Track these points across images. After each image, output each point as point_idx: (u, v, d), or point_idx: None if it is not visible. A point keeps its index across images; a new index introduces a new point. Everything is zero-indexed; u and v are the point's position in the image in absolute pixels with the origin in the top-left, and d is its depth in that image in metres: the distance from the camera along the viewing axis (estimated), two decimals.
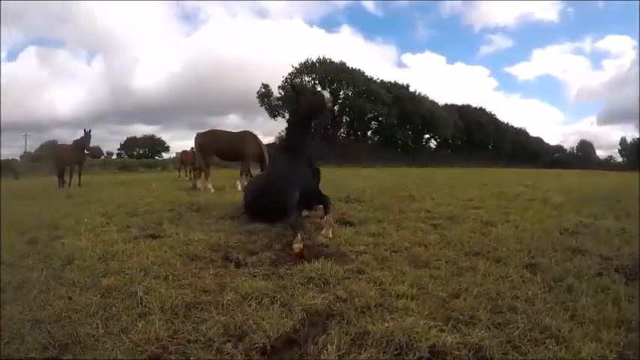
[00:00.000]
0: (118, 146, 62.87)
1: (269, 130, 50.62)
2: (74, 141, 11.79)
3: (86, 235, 3.73)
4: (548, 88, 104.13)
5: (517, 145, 67.47)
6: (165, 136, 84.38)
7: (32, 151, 43.98)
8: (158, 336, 1.69)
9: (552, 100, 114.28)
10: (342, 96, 50.58)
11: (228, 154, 9.80)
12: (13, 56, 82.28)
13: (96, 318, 1.89)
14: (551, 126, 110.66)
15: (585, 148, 73.71)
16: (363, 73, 50.83)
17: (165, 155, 55.94)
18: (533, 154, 68.21)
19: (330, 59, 49.68)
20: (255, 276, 2.48)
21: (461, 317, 1.87)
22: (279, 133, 48.83)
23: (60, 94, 73.86)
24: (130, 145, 61.25)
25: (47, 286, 2.34)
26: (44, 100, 69.40)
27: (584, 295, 2.15)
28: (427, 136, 59.23)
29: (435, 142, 61.13)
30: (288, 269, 2.59)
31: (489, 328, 1.78)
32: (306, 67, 49.41)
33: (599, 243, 3.37)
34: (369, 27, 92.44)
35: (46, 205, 6.32)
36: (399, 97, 50.43)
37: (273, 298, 2.08)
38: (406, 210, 5.27)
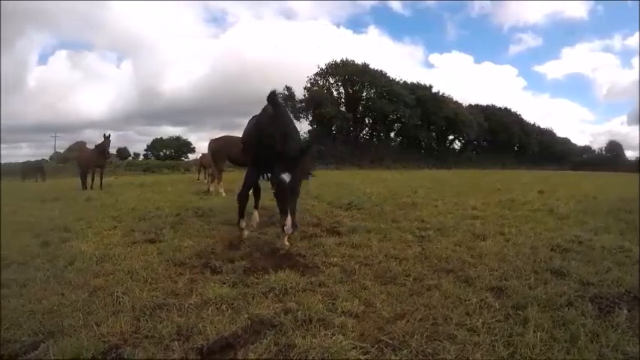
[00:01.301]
0: (145, 147, 65.14)
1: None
2: (95, 145, 12.35)
3: (92, 239, 4.17)
4: (577, 87, 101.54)
5: (543, 146, 65.46)
6: (192, 138, 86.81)
7: (62, 151, 45.84)
8: (122, 330, 2.04)
9: (582, 99, 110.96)
10: (364, 97, 50.72)
11: (242, 159, 10.19)
12: (43, 60, 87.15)
13: (79, 312, 2.28)
14: (581, 126, 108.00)
15: (614, 148, 70.36)
16: (385, 74, 50.82)
17: (191, 156, 57.49)
18: (560, 155, 66.12)
19: (353, 60, 50.00)
20: (224, 283, 2.78)
21: (390, 342, 1.91)
22: (302, 136, 49.35)
23: (90, 96, 77.63)
24: (156, 146, 63.27)
25: (47, 284, 2.76)
26: (74, 102, 72.90)
27: (538, 330, 1.99)
28: (451, 137, 58.42)
29: (459, 144, 60.24)
30: (256, 278, 2.85)
31: (415, 356, 1.80)
32: (331, 68, 49.84)
33: (588, 264, 3.19)
34: (396, 27, 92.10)
35: (65, 208, 6.88)
36: (421, 98, 50.12)
37: (231, 304, 2.37)
38: (401, 219, 5.35)
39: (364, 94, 50.85)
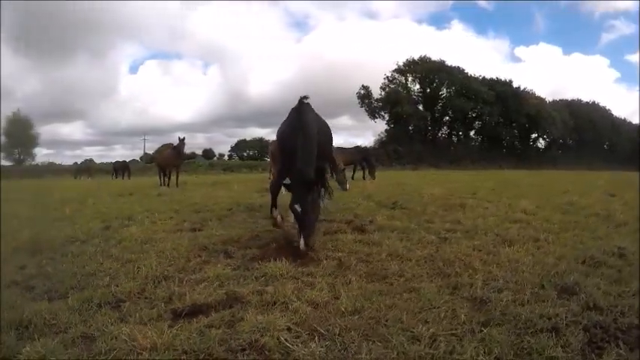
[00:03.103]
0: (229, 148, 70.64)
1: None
2: (172, 147, 13.65)
3: (146, 226, 4.91)
4: None
5: (637, 144, 55.70)
6: None
7: (150, 153, 51.83)
8: (131, 291, 2.59)
9: None
10: (443, 95, 48.77)
11: None
12: (134, 70, 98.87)
13: (107, 276, 2.93)
14: None
15: None
16: (463, 70, 48.22)
17: None
18: None
19: (429, 58, 48.37)
20: (229, 266, 3.16)
21: (325, 332, 2.00)
22: (379, 135, 49.23)
23: (179, 101, 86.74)
24: (240, 146, 68.18)
25: (95, 256, 3.51)
26: (164, 107, 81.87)
27: (487, 355, 1.82)
28: (534, 135, 53.04)
29: (543, 142, 54.43)
30: (258, 265, 3.14)
31: (332, 351, 1.86)
32: (407, 66, 48.90)
33: (613, 283, 2.74)
34: (480, 21, 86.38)
35: (136, 201, 8.10)
36: (501, 95, 46.49)
37: (222, 283, 2.74)
38: (436, 220, 5.25)
39: (442, 92, 48.84)
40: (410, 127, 48.62)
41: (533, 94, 49.96)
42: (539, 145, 53.87)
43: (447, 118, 50.28)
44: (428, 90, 48.81)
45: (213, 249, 3.72)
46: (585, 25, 76.51)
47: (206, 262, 3.30)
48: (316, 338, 1.94)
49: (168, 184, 13.18)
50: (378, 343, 1.91)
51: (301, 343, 1.89)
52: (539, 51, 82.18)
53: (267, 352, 1.82)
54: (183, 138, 13.29)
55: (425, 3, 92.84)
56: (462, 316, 2.21)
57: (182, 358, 1.76)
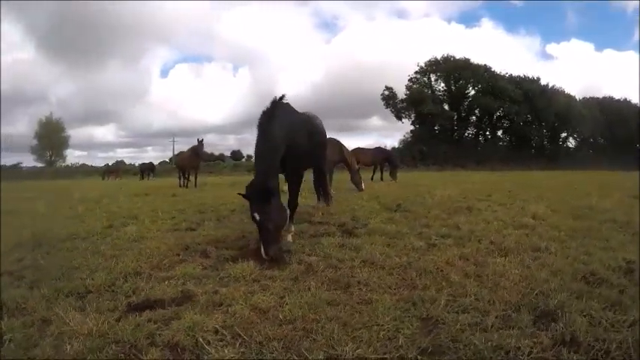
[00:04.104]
0: None
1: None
2: (190, 148, 14.05)
3: (145, 225, 5.23)
4: None
5: None
6: None
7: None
8: (97, 283, 2.89)
9: None
10: (469, 94, 47.57)
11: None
12: (165, 73, 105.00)
13: (89, 270, 3.25)
14: None
15: None
16: (490, 68, 46.82)
17: None
18: None
19: (454, 56, 47.30)
20: (201, 265, 3.37)
21: (247, 339, 2.03)
22: (404, 136, 48.65)
23: (209, 103, 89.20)
24: None
25: (86, 251, 3.88)
26: (195, 109, 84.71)
27: None
28: (564, 134, 50.57)
29: (573, 142, 51.74)
30: (228, 266, 3.24)
31: (247, 351, 1.92)
32: (431, 66, 48.05)
33: (608, 309, 2.30)
34: (510, 19, 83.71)
35: (148, 201, 8.58)
36: (528, 93, 44.73)
37: (182, 282, 2.92)
38: (435, 224, 5.09)
39: (468, 91, 47.61)
40: (436, 128, 47.68)
41: (563, 92, 47.79)
42: (570, 145, 51.41)
43: (474, 117, 48.99)
44: (453, 89, 47.70)
45: (193, 248, 3.94)
46: (618, 20, 72.57)
47: (182, 260, 3.53)
48: (237, 344, 1.98)
49: (187, 185, 13.59)
50: (295, 357, 1.88)
51: (220, 347, 1.94)
52: (570, 48, 78.80)
53: (179, 351, 1.93)
54: (202, 139, 13.76)
55: (454, 3, 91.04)
56: (401, 339, 2.01)
57: (111, 346, 1.94)
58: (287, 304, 2.44)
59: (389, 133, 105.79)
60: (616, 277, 2.88)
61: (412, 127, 48.35)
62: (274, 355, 1.89)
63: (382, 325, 2.15)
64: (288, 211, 3.93)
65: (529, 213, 5.88)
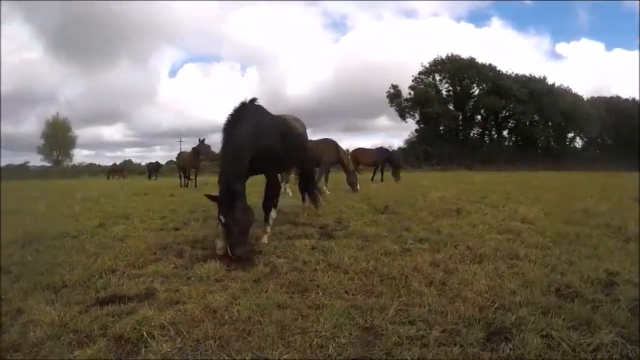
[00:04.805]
0: None
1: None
2: (192, 148, 14.24)
3: (134, 224, 5.53)
4: None
5: None
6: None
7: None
8: (74, 278, 3.19)
9: None
10: (474, 94, 47.19)
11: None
12: (173, 73, 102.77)
13: (70, 266, 3.56)
14: None
15: None
16: (495, 67, 46.26)
17: None
18: None
19: (458, 55, 46.92)
20: (173, 264, 3.63)
21: (186, 334, 2.17)
22: (409, 136, 48.51)
23: (217, 103, 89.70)
24: None
25: (72, 249, 4.22)
26: (203, 109, 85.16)
27: None
28: (571, 134, 49.80)
29: (580, 142, 50.98)
30: (201, 266, 3.38)
31: (184, 347, 2.05)
32: (436, 65, 47.77)
33: (575, 329, 2.13)
34: (519, 18, 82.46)
35: (146, 201, 8.94)
36: (534, 92, 44.15)
37: (151, 280, 3.16)
38: (417, 228, 5.01)
39: (473, 91, 47.22)
40: (440, 128, 47.40)
41: (569, 91, 47.16)
42: (577, 145, 50.68)
43: (479, 117, 48.51)
44: (458, 88, 47.33)
45: (171, 248, 4.21)
46: (629, 19, 71.27)
47: (157, 259, 3.78)
48: (178, 340, 2.11)
49: (187, 185, 13.78)
50: (225, 357, 1.97)
51: (161, 342, 2.08)
52: (580, 47, 77.50)
53: (122, 342, 2.12)
54: (203, 139, 13.79)
55: (464, 2, 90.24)
56: (331, 348, 2.00)
57: (69, 335, 2.19)
58: (238, 304, 2.53)
59: (396, 133, 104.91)
60: (592, 292, 2.68)
61: (417, 127, 48.17)
62: (208, 353, 2.00)
63: (320, 331, 2.14)
64: (254, 214, 4.02)
65: (519, 216, 5.78)
